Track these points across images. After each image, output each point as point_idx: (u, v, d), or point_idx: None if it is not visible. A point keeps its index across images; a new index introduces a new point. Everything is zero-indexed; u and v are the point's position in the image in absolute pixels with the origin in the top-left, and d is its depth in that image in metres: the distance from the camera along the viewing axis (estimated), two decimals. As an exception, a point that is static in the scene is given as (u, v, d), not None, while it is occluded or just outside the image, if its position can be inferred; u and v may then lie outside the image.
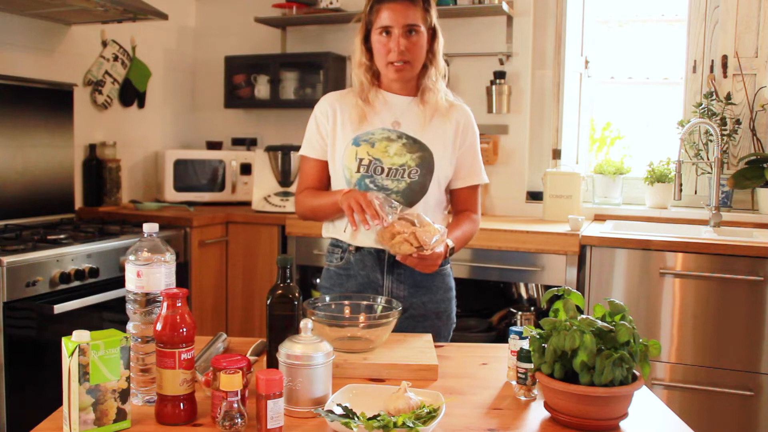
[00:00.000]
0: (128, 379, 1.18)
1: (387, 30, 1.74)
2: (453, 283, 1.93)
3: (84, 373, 1.12)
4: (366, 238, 1.78)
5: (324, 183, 1.90)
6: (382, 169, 1.76)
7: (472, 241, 1.93)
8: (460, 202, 1.90)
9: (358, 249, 1.83)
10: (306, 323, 1.27)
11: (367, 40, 1.81)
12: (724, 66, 3.19)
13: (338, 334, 1.54)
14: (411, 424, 1.11)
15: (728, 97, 3.11)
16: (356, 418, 1.13)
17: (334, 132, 1.83)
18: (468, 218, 1.88)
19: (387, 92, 1.84)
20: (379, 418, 1.12)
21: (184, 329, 1.20)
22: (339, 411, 1.16)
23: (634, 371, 1.21)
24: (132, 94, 3.61)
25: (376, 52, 1.78)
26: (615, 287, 2.73)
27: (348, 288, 1.84)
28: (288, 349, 1.24)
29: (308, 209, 1.87)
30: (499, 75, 3.38)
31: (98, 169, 3.38)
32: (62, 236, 2.60)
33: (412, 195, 1.77)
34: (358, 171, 1.77)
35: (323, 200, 1.82)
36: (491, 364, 1.56)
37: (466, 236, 1.86)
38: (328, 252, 1.91)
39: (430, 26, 1.79)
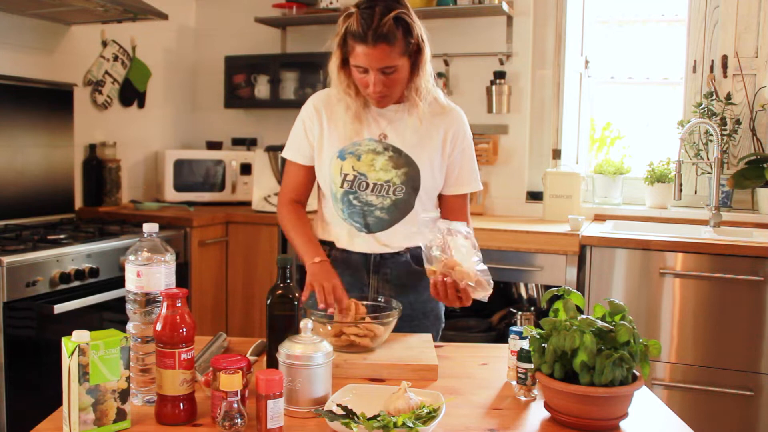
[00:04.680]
0: (128, 379, 1.18)
1: (363, 68, 1.66)
2: None
3: (84, 373, 1.12)
4: (354, 244, 1.78)
5: (308, 189, 1.89)
6: (367, 185, 1.74)
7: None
8: (448, 211, 1.86)
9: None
10: (306, 323, 1.28)
11: (345, 64, 1.73)
12: (724, 66, 3.19)
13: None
14: (411, 424, 1.11)
15: (728, 97, 3.11)
16: (356, 418, 1.13)
17: (321, 140, 1.81)
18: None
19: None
20: (379, 418, 1.12)
21: (184, 329, 1.20)
22: (339, 411, 1.16)
23: (634, 371, 1.21)
24: (132, 94, 3.61)
25: (356, 79, 1.71)
26: (615, 287, 2.73)
27: None
28: (288, 349, 1.24)
29: (285, 232, 1.87)
30: (499, 75, 3.38)
31: (98, 169, 3.38)
32: (62, 236, 2.60)
33: (398, 211, 1.77)
34: (342, 186, 1.76)
35: (297, 243, 1.80)
36: (491, 364, 1.56)
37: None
38: None
39: (413, 50, 1.67)
